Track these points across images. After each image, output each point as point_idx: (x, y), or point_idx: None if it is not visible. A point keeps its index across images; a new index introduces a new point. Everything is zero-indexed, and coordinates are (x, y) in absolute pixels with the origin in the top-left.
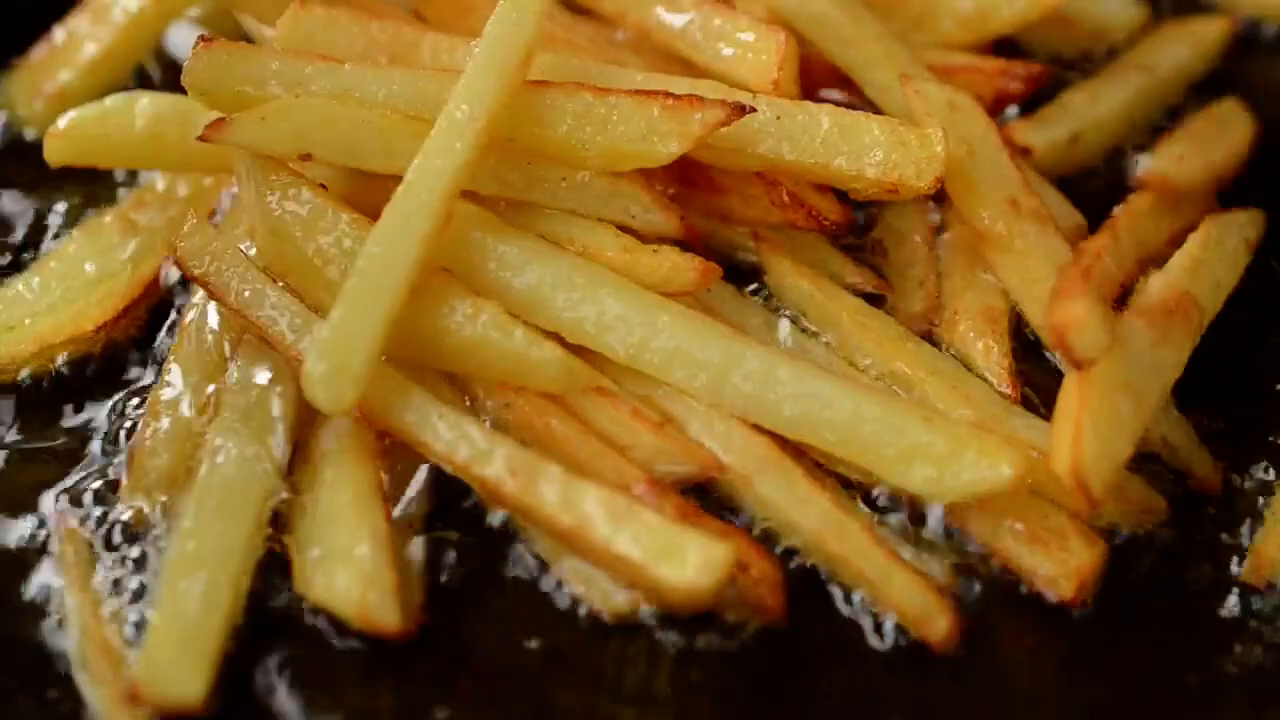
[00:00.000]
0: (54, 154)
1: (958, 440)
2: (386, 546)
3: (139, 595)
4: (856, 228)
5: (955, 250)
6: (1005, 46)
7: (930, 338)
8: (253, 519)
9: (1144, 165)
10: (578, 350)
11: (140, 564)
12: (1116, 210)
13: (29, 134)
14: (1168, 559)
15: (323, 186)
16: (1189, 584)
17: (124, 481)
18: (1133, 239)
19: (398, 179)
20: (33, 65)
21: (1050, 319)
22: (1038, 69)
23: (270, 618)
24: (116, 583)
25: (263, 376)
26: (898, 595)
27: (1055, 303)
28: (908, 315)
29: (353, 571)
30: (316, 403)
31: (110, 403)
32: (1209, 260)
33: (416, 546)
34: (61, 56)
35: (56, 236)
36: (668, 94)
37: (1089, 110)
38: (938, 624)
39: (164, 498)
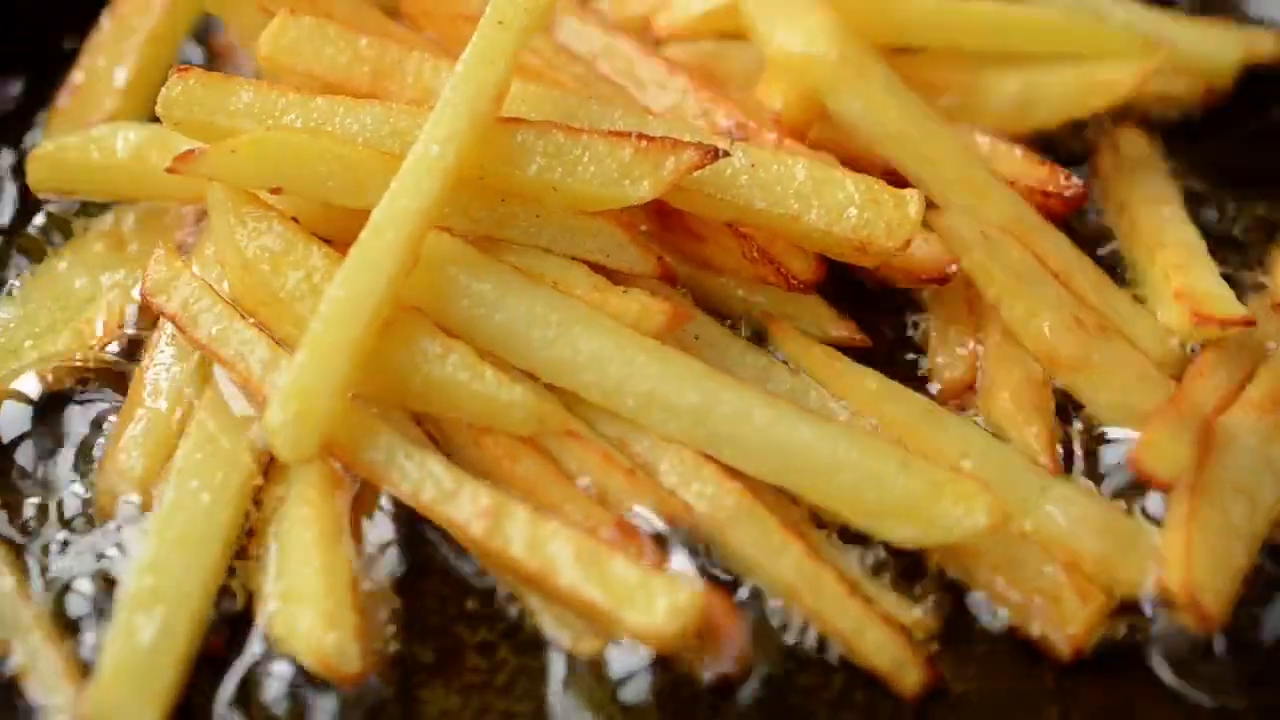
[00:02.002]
0: (36, 180)
1: (934, 485)
2: (350, 588)
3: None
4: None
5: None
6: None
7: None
8: (215, 553)
9: None
10: (553, 385)
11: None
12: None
13: None
14: None
15: (294, 219)
16: None
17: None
18: (1247, 353)
19: (369, 212)
20: (68, 109)
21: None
22: (1075, 189)
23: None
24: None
25: (233, 406)
26: (871, 649)
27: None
28: (947, 381)
29: (314, 613)
30: (277, 452)
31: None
32: None
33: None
34: (94, 90)
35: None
36: (642, 135)
37: None
38: (910, 678)
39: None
